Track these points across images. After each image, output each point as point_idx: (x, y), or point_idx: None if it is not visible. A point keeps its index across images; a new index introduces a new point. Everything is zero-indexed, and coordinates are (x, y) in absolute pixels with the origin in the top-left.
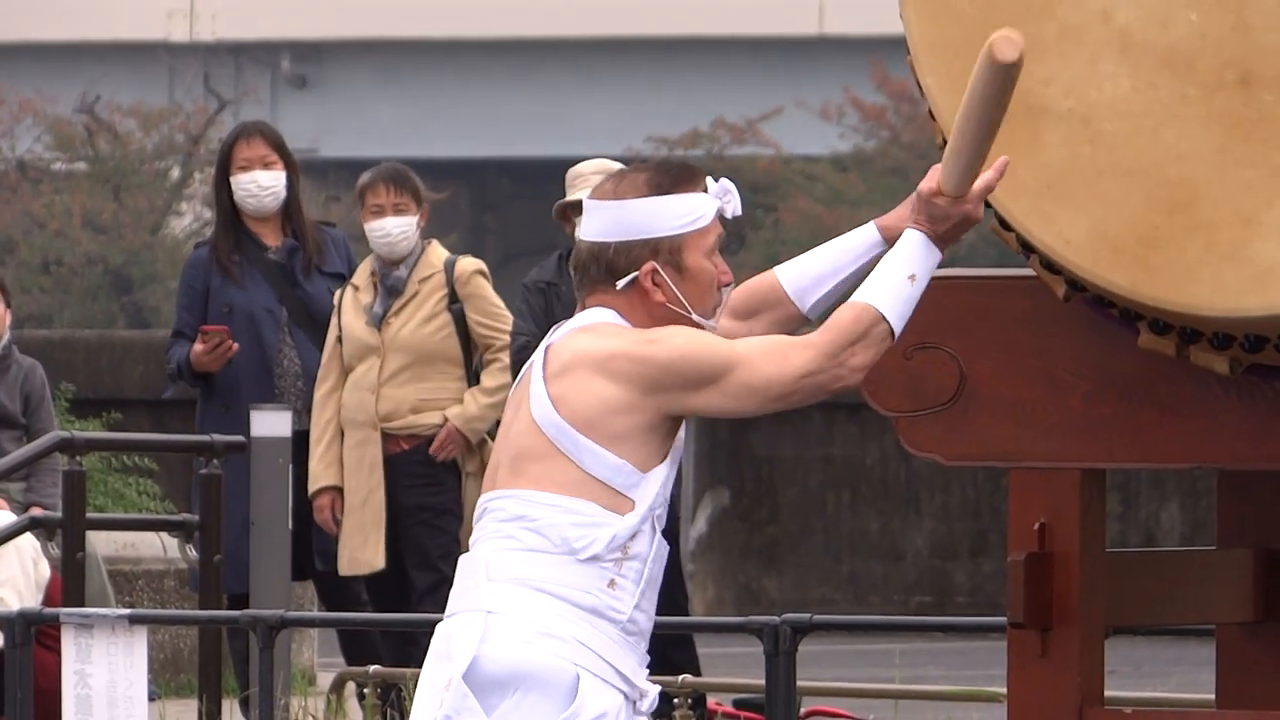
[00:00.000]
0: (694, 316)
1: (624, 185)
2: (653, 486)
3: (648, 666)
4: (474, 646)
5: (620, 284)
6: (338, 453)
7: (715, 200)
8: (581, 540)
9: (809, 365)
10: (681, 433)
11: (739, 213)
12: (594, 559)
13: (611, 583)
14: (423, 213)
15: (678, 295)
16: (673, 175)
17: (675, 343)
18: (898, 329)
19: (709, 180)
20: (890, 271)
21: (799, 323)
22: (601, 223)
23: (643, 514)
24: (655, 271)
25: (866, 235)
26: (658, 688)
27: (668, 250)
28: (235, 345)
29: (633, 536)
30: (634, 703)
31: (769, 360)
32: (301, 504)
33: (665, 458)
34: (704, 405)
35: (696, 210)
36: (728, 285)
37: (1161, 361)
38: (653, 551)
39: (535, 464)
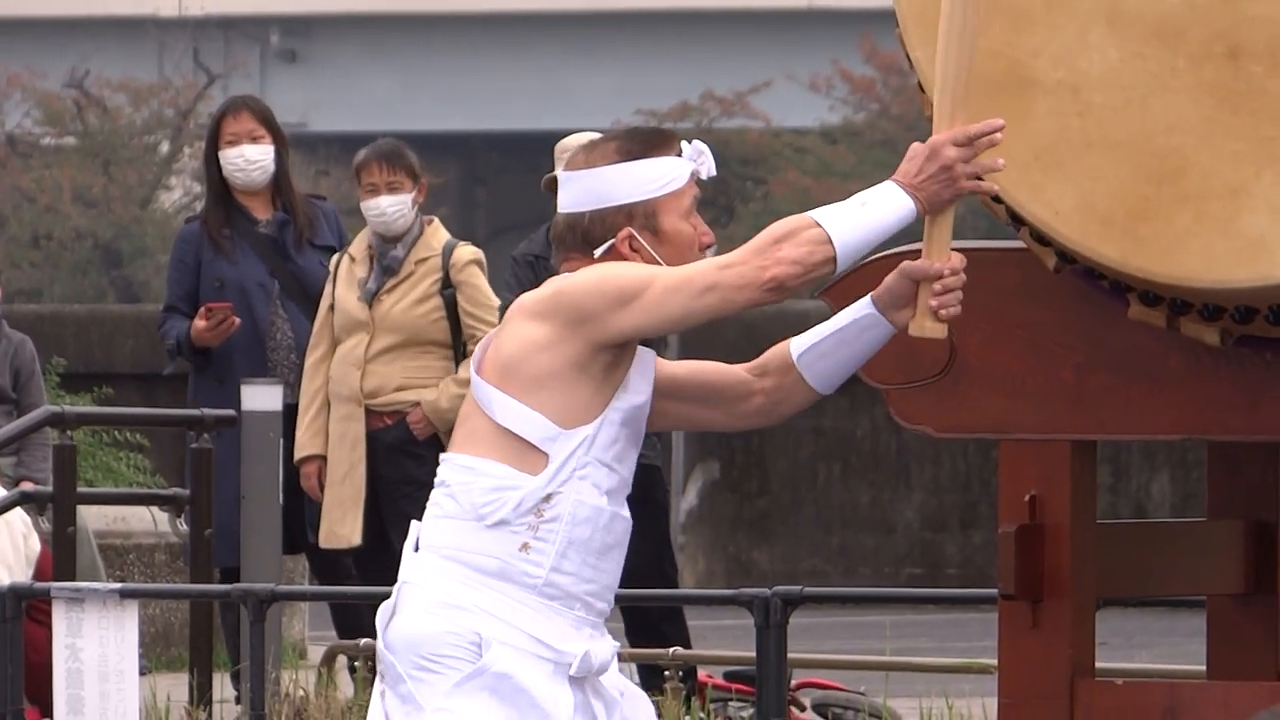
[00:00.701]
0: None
1: (595, 154)
2: (570, 445)
3: (598, 629)
4: (386, 619)
5: (598, 252)
6: (324, 423)
7: (689, 162)
8: (488, 506)
9: (730, 259)
10: (629, 401)
11: (714, 173)
12: (501, 523)
13: (524, 546)
14: (420, 189)
15: (656, 259)
16: (643, 140)
17: (598, 269)
18: (837, 240)
19: (683, 143)
20: (847, 201)
21: (809, 396)
22: (576, 193)
23: (553, 474)
24: (632, 237)
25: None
26: (610, 645)
27: (643, 215)
28: (238, 321)
29: (546, 498)
30: (566, 665)
31: (691, 264)
32: (292, 478)
33: (596, 417)
34: (631, 323)
35: (669, 173)
36: (709, 246)
37: (1152, 333)
38: (578, 513)
39: (462, 426)
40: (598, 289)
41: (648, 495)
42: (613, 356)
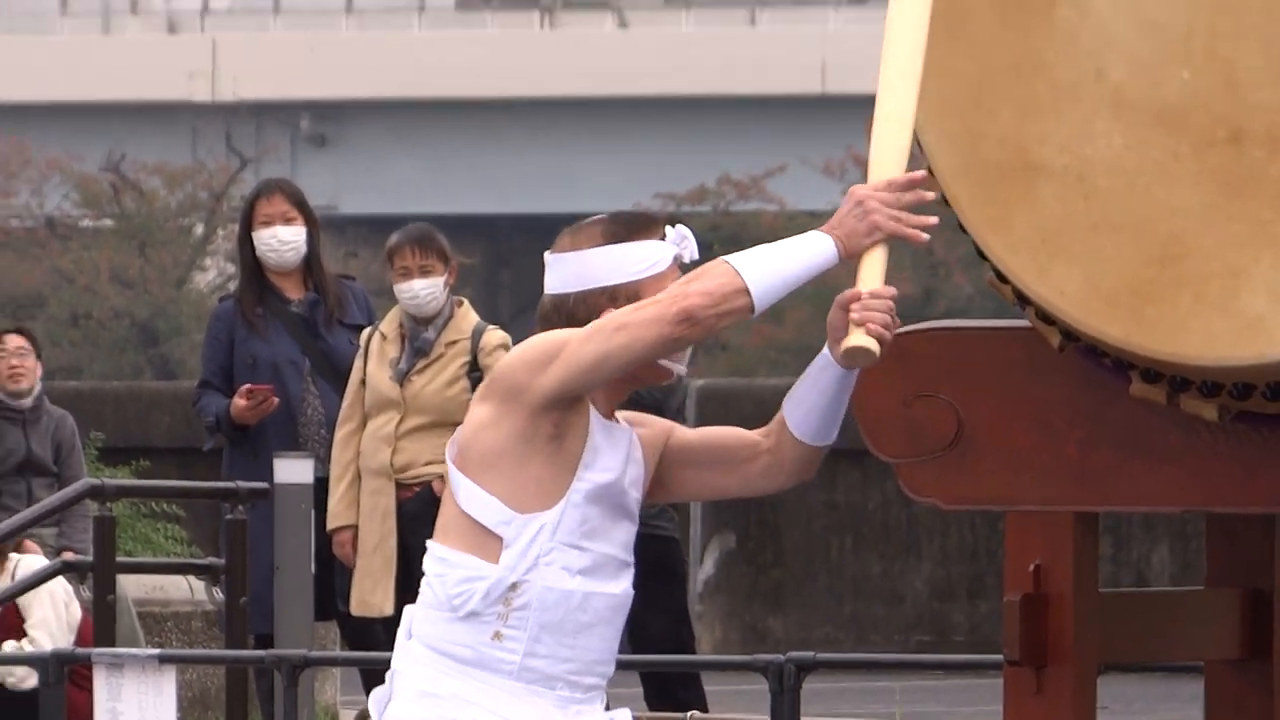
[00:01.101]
0: (658, 362)
1: (580, 237)
2: (530, 531)
3: (589, 701)
4: (382, 706)
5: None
6: (355, 494)
7: (672, 246)
8: (459, 598)
9: (644, 302)
10: (594, 480)
11: (695, 257)
12: (472, 614)
13: (496, 634)
14: (450, 272)
15: None
16: (627, 224)
17: (526, 341)
18: (744, 272)
19: (667, 228)
20: (790, 244)
21: (802, 449)
22: (562, 275)
23: (514, 562)
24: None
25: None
26: (600, 716)
27: (625, 297)
28: (276, 401)
29: (513, 587)
30: None
31: (581, 335)
32: (323, 547)
33: (557, 501)
34: (555, 378)
35: (652, 257)
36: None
37: (1153, 409)
38: (546, 599)
39: (441, 514)
40: (523, 359)
41: (666, 565)
42: (553, 426)
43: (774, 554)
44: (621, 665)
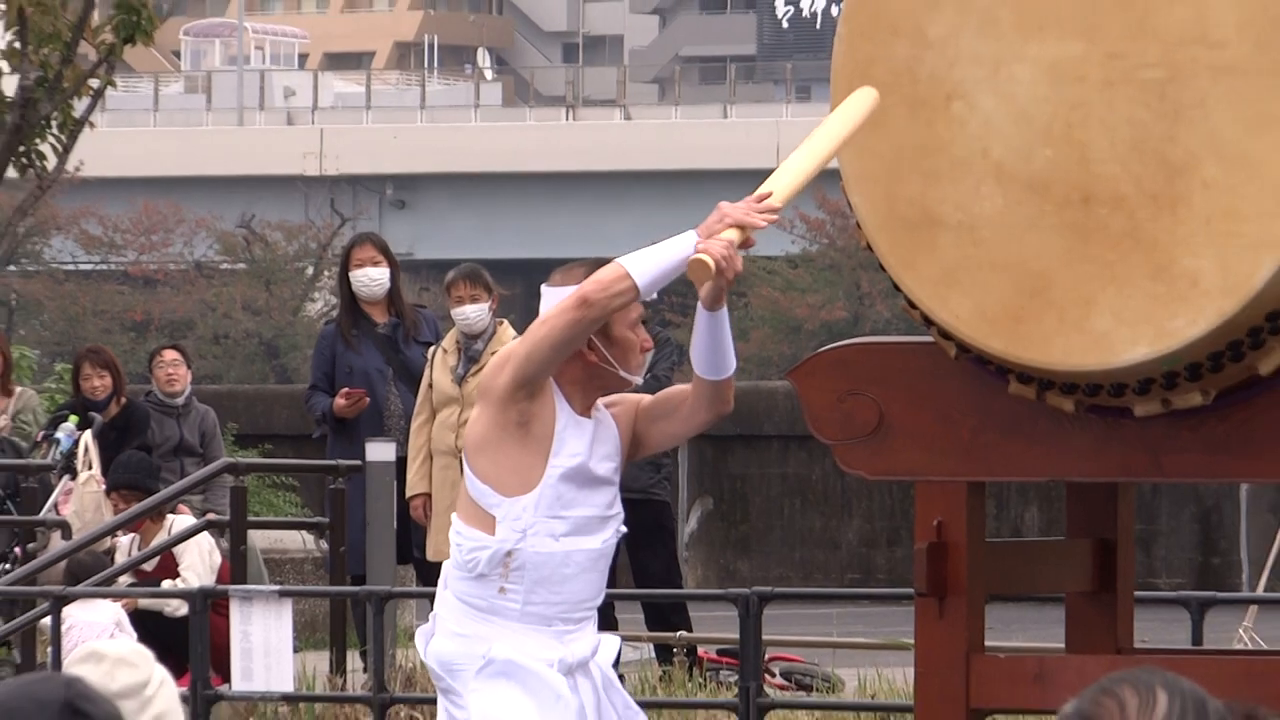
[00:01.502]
0: (620, 372)
1: (568, 275)
2: (515, 510)
3: (580, 628)
4: (426, 640)
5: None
6: (428, 469)
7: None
8: (470, 563)
9: (537, 327)
10: (566, 463)
11: (654, 296)
12: (481, 575)
13: (501, 589)
14: (494, 299)
15: (608, 356)
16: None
17: (499, 359)
18: (624, 261)
19: None
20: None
21: (705, 385)
22: (550, 303)
23: (507, 536)
24: (588, 340)
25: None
26: (590, 640)
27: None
28: (367, 401)
29: (509, 554)
30: (550, 665)
31: (522, 338)
32: (402, 509)
33: (535, 486)
34: (510, 374)
35: None
36: (648, 350)
37: (1025, 403)
38: (536, 560)
39: (458, 495)
40: (493, 364)
41: (661, 523)
42: (519, 414)
43: (741, 514)
44: (628, 598)
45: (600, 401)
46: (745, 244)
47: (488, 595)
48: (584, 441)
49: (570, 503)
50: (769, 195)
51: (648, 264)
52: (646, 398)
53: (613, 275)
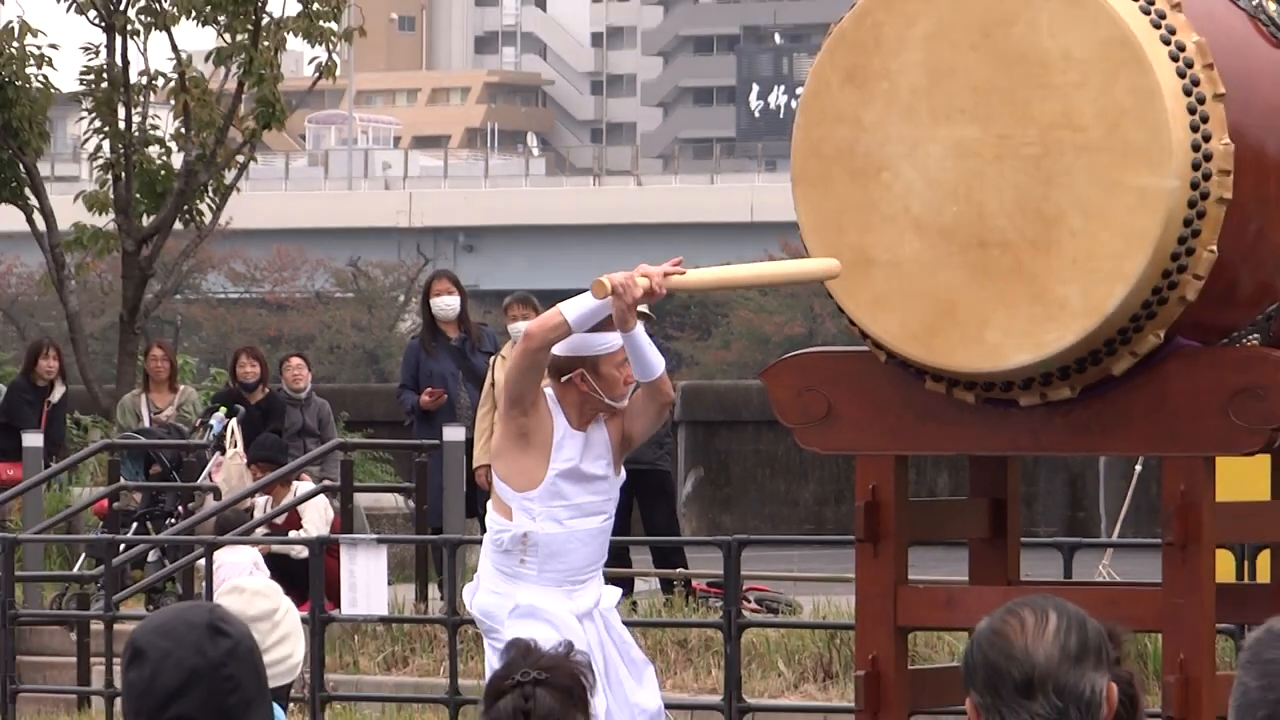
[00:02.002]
0: (605, 400)
1: None
2: (526, 503)
3: (588, 583)
4: (472, 596)
5: (562, 379)
6: (488, 447)
7: (618, 337)
8: (497, 542)
9: (515, 355)
10: (562, 466)
11: (619, 343)
12: (506, 551)
13: (521, 560)
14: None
15: (595, 388)
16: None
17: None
18: (565, 311)
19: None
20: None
21: (644, 387)
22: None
23: (520, 522)
24: (581, 374)
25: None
26: (595, 592)
27: (590, 363)
28: (445, 398)
29: (524, 535)
30: (573, 614)
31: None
32: (470, 478)
33: (539, 484)
34: (504, 393)
35: (609, 342)
36: (631, 383)
37: (938, 396)
38: (546, 540)
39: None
40: (502, 388)
41: (664, 488)
42: (518, 427)
43: (725, 480)
44: (639, 544)
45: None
46: (650, 294)
47: (511, 564)
48: (577, 449)
49: (570, 494)
50: (682, 272)
51: (576, 307)
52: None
53: (551, 316)
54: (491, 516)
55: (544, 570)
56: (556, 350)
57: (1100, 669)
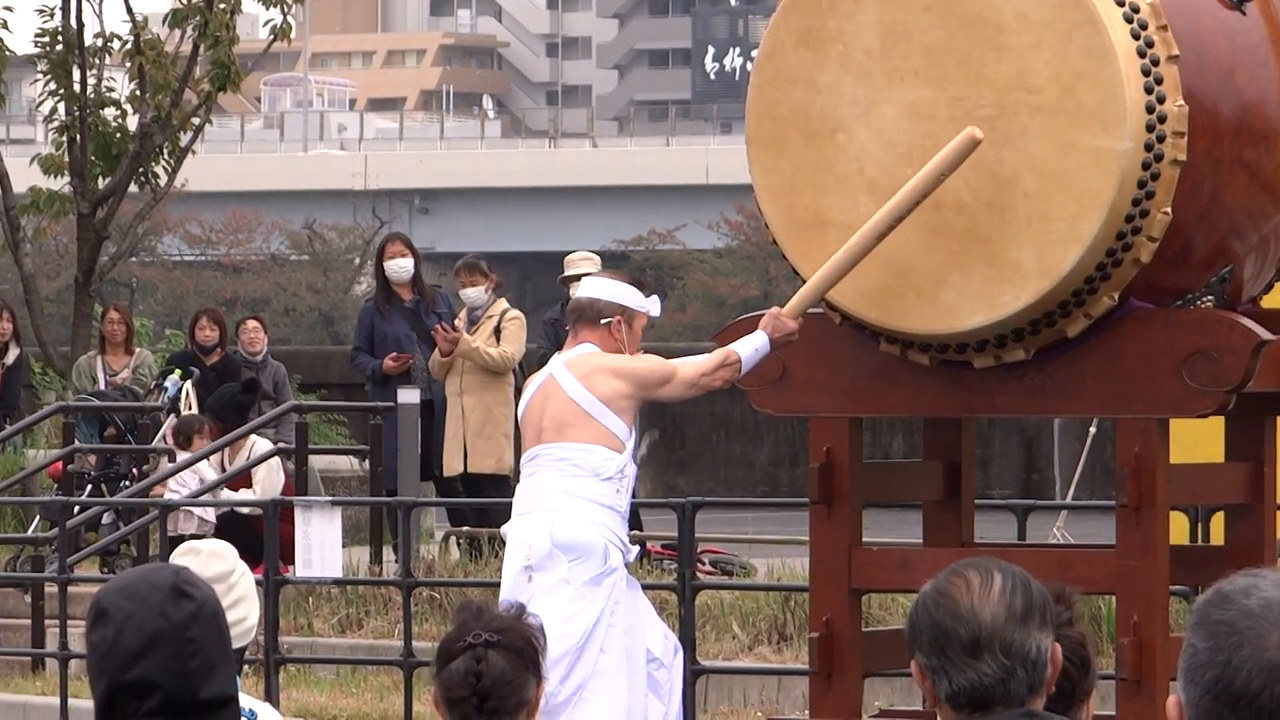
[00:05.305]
0: (624, 351)
1: (618, 274)
2: (630, 445)
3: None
4: (548, 531)
5: (602, 321)
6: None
7: (655, 301)
8: (604, 469)
9: (703, 369)
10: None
11: (658, 314)
12: (609, 479)
13: (617, 490)
14: (490, 281)
15: (623, 339)
16: (638, 281)
17: (647, 365)
18: (745, 363)
19: (654, 295)
20: (749, 341)
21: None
22: (601, 289)
23: (629, 452)
24: (619, 322)
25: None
26: (638, 547)
27: (627, 314)
28: (411, 360)
29: (624, 466)
30: (628, 551)
31: (683, 374)
32: (425, 438)
33: (634, 425)
34: (667, 394)
35: (646, 302)
36: (639, 350)
37: (892, 358)
38: (632, 472)
39: (573, 427)
40: (651, 378)
41: None
42: (641, 400)
43: (680, 441)
44: None
45: None
46: (792, 333)
47: (609, 493)
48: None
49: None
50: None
51: (747, 350)
52: None
53: (732, 363)
54: (594, 450)
55: (625, 501)
56: (602, 296)
57: (1045, 629)
